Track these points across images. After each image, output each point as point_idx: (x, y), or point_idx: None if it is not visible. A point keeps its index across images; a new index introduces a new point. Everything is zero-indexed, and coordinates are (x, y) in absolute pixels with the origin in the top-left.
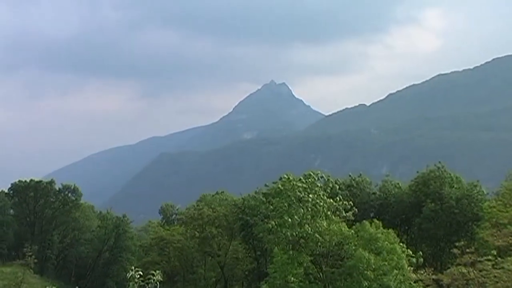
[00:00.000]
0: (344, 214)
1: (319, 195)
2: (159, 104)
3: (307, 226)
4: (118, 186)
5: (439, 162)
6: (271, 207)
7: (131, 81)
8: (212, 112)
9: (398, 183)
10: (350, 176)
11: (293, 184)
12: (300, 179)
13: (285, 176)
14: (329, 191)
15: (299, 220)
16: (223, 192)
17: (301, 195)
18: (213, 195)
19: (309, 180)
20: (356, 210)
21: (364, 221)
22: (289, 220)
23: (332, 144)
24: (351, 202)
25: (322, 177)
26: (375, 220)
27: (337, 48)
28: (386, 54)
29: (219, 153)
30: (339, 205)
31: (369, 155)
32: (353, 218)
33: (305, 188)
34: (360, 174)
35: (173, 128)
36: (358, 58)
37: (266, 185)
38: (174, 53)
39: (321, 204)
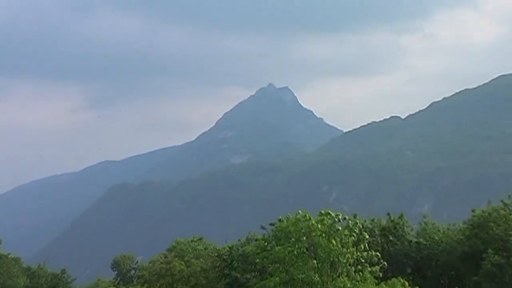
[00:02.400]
0: (370, 269)
1: (344, 242)
2: (113, 116)
3: (328, 285)
4: (55, 230)
5: (509, 196)
6: (272, 256)
7: (73, 85)
8: (187, 127)
9: (445, 227)
10: (388, 215)
11: (311, 225)
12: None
13: (300, 213)
14: (354, 236)
15: (315, 277)
16: (201, 238)
17: (319, 241)
18: (187, 243)
19: (327, 221)
20: (386, 264)
21: (394, 279)
22: (301, 276)
23: (353, 172)
24: (378, 253)
25: (344, 218)
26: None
27: (360, 40)
28: (428, 47)
29: (196, 184)
30: (364, 256)
31: (404, 187)
32: (380, 275)
33: (324, 231)
34: (402, 215)
35: (132, 150)
36: (388, 53)
37: (263, 228)
38: (135, 47)
39: (346, 255)
